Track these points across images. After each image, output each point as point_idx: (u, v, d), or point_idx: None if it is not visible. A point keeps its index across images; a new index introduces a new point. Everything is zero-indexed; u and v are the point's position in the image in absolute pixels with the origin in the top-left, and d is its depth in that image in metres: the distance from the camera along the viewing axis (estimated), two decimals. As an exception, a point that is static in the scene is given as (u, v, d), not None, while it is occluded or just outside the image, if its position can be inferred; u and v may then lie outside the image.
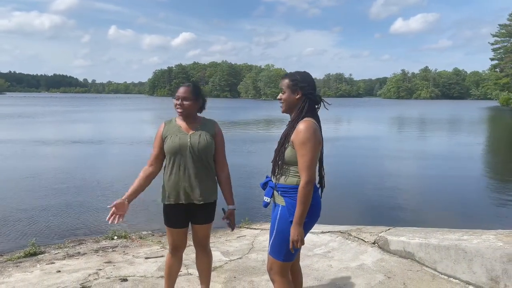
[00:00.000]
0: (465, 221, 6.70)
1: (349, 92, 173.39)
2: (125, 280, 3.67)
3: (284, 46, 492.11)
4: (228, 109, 53.87)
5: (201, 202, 2.79)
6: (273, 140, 2.61)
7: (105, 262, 4.26)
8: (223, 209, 2.89)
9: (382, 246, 4.35)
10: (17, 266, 4.28)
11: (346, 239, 4.76)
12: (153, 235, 5.71)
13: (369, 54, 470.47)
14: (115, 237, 5.49)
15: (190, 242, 3.10)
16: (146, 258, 4.39)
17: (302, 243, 2.37)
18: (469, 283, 3.48)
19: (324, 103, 2.57)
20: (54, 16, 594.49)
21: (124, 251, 4.78)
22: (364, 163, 13.42)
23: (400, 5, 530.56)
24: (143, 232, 5.89)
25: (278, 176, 2.49)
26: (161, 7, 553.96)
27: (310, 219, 2.47)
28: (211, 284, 3.24)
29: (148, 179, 2.86)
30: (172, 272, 3.01)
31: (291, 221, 2.37)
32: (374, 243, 4.48)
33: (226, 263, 4.15)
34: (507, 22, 74.11)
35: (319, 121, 2.50)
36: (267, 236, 4.15)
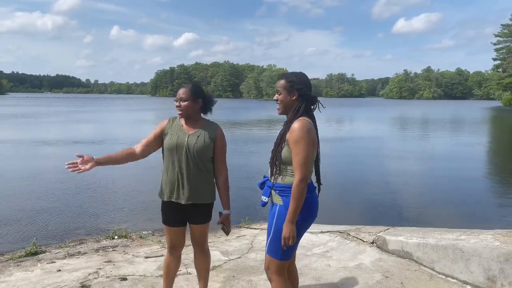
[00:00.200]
0: (465, 221, 6.70)
1: (351, 92, 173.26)
2: (124, 279, 3.70)
3: (286, 46, 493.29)
4: (230, 109, 53.91)
5: (189, 202, 2.80)
6: (274, 140, 2.64)
7: (105, 262, 4.30)
8: (220, 212, 2.90)
9: (381, 245, 4.37)
10: (18, 265, 4.32)
11: (345, 238, 4.79)
12: (154, 235, 5.74)
13: (371, 54, 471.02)
14: (116, 237, 5.53)
15: (189, 241, 3.12)
16: (146, 257, 4.42)
17: (294, 240, 2.39)
18: (466, 283, 3.49)
19: (320, 103, 2.59)
20: (56, 16, 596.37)
21: (124, 251, 4.82)
22: (364, 163, 13.43)
23: (403, 5, 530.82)
24: (143, 232, 5.92)
25: (275, 176, 2.51)
26: (163, 7, 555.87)
27: (306, 218, 2.49)
28: (210, 283, 3.26)
29: (126, 157, 2.88)
30: (170, 271, 3.04)
31: None
32: (372, 243, 4.50)
33: (225, 262, 4.17)
34: (510, 22, 73.92)
35: (315, 121, 2.53)
36: (266, 235, 4.17)
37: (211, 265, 3.81)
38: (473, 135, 23.88)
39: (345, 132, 25.16)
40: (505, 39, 75.99)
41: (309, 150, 2.37)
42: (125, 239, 5.43)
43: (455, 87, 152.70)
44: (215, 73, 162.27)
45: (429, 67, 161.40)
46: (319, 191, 2.59)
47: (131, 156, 2.89)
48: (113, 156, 2.86)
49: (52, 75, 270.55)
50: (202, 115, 2.96)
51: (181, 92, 2.84)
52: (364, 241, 4.59)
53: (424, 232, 4.28)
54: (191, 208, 2.85)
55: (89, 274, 3.85)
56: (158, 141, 2.92)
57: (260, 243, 4.81)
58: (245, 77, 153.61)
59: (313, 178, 2.57)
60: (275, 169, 2.51)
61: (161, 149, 2.93)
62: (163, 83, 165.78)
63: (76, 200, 8.01)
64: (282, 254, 2.48)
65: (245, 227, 5.85)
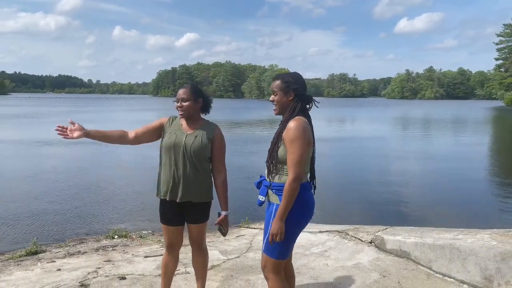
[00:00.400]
0: (464, 221, 6.70)
1: (353, 92, 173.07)
2: (123, 278, 3.73)
3: (288, 46, 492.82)
4: (232, 109, 53.96)
5: (183, 200, 2.82)
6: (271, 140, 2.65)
7: (105, 261, 4.33)
8: (219, 213, 2.90)
9: (379, 245, 4.39)
10: (18, 265, 4.35)
11: (344, 238, 4.80)
12: (153, 234, 5.77)
13: (373, 54, 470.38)
14: (116, 236, 5.56)
15: (188, 240, 3.14)
16: (145, 257, 4.45)
17: (281, 237, 2.40)
18: (463, 282, 3.50)
19: (315, 102, 2.61)
20: (59, 17, 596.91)
21: (124, 250, 4.84)
22: (364, 163, 13.44)
23: (405, 5, 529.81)
24: (143, 232, 5.95)
25: (272, 175, 2.53)
26: (165, 7, 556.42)
27: (302, 217, 2.51)
28: (208, 282, 3.28)
29: (118, 137, 2.90)
30: (168, 270, 3.06)
31: (286, 220, 2.41)
32: (370, 242, 4.51)
33: (224, 262, 4.19)
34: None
35: (311, 120, 2.55)
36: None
37: (210, 264, 3.84)
38: (474, 135, 23.85)
39: (346, 132, 25.15)
40: (507, 38, 75.94)
41: (304, 149, 2.39)
42: (125, 239, 5.46)
43: (457, 87, 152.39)
44: (217, 73, 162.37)
45: (431, 67, 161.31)
46: (314, 190, 2.61)
47: (122, 139, 2.91)
48: (104, 132, 2.88)
49: (55, 75, 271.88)
50: (201, 115, 2.99)
51: (182, 92, 2.86)
52: (362, 241, 4.61)
53: (422, 232, 4.29)
54: (188, 207, 2.87)
55: (89, 273, 3.88)
56: (153, 134, 2.95)
57: (259, 243, 4.83)
58: (247, 77, 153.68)
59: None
60: (272, 168, 2.53)
61: (159, 148, 2.95)
62: (165, 83, 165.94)
63: (76, 200, 8.04)
64: (278, 253, 2.50)
65: (244, 227, 5.87)
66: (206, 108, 2.98)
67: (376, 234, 4.53)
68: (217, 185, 2.94)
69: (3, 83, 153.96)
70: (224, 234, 2.93)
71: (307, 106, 2.56)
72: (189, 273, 3.79)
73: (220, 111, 43.60)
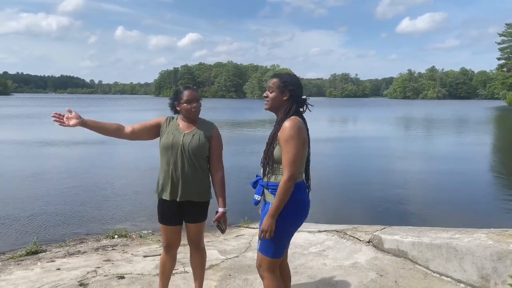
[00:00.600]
0: (462, 220, 6.70)
1: (355, 92, 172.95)
2: (122, 277, 3.76)
3: (290, 46, 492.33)
4: (233, 109, 53.98)
5: (182, 200, 2.85)
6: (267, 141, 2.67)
7: (104, 260, 4.36)
8: (217, 211, 2.93)
9: (377, 245, 4.40)
10: (18, 264, 4.38)
11: (342, 238, 4.82)
12: (153, 234, 5.79)
13: (375, 54, 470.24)
14: (116, 236, 5.59)
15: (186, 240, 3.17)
16: (145, 256, 4.47)
17: (271, 234, 2.43)
18: (460, 281, 3.52)
19: (309, 105, 2.63)
20: (61, 17, 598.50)
21: (123, 250, 4.87)
22: (364, 162, 13.43)
23: (407, 5, 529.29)
24: (143, 231, 5.98)
25: (268, 175, 2.55)
26: (167, 8, 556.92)
27: (297, 217, 2.53)
28: (206, 281, 3.30)
29: (114, 130, 2.93)
30: (166, 270, 3.09)
31: (281, 219, 2.44)
32: (368, 242, 4.53)
33: (223, 261, 4.22)
34: (514, 22, 73.63)
35: (306, 122, 2.57)
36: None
37: (209, 264, 3.87)
38: (476, 135, 23.81)
39: (347, 132, 25.11)
40: (509, 38, 75.77)
41: (299, 149, 2.41)
42: (125, 239, 5.49)
43: (459, 86, 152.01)
44: (219, 73, 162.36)
45: (433, 66, 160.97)
46: (309, 190, 2.63)
47: (118, 132, 2.93)
48: (100, 123, 2.91)
49: (57, 76, 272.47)
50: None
51: (195, 94, 2.92)
52: (360, 240, 4.62)
53: (420, 231, 4.30)
54: (187, 207, 2.90)
55: (88, 272, 3.91)
56: (150, 131, 2.99)
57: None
58: (248, 77, 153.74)
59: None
60: (268, 168, 2.55)
61: (158, 148, 2.98)
62: (167, 84, 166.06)
63: (77, 200, 8.08)
64: (273, 252, 2.52)
65: (244, 227, 5.90)
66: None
67: (374, 233, 4.54)
68: (215, 183, 2.97)
69: (5, 83, 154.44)
70: (222, 231, 2.95)
71: (301, 109, 2.59)
72: (188, 273, 3.81)
73: (221, 111, 43.64)
